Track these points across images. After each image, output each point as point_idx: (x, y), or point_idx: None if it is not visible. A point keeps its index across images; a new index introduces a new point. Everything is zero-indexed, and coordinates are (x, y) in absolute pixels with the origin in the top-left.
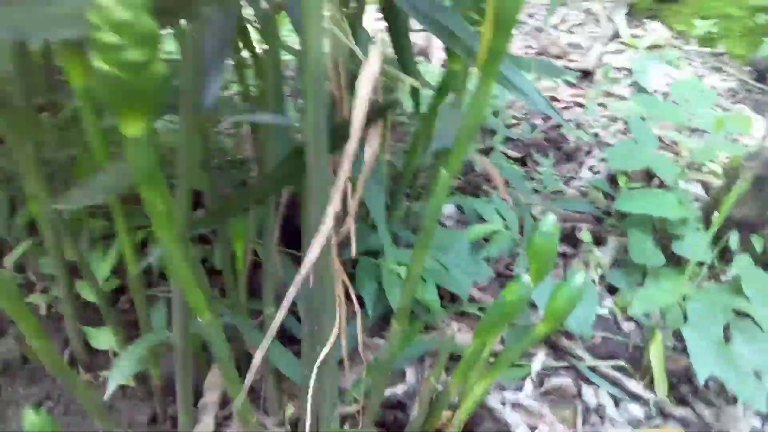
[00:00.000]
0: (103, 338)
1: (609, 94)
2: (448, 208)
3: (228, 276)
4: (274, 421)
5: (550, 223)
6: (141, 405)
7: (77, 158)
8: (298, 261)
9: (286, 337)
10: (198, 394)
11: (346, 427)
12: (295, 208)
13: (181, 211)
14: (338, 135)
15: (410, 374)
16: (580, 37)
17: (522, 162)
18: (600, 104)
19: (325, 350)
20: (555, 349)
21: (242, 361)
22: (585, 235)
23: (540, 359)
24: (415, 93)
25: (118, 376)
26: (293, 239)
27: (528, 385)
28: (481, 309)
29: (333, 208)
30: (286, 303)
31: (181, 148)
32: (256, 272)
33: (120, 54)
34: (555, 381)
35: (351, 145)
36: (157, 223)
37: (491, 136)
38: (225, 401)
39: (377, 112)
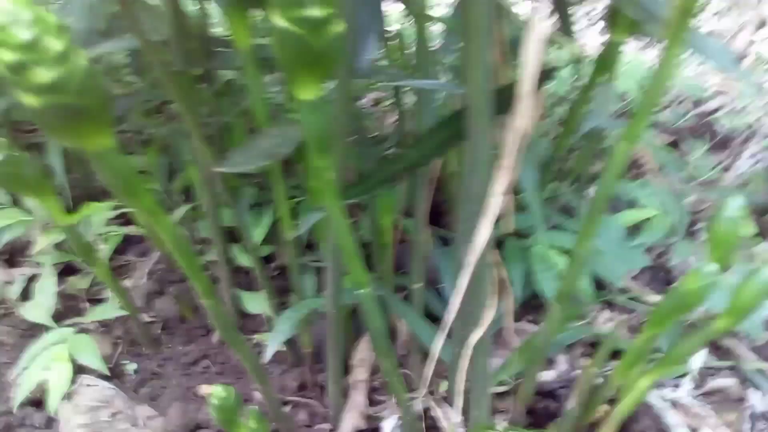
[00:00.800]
0: (256, 302)
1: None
2: (593, 192)
3: (375, 250)
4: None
5: (736, 205)
6: (291, 371)
7: (232, 126)
8: (441, 237)
9: (428, 316)
10: (346, 366)
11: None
12: (435, 186)
13: (337, 175)
14: (501, 100)
15: (562, 362)
16: (726, 23)
17: (674, 147)
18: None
19: (479, 331)
20: (716, 348)
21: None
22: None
23: (701, 357)
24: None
25: (277, 340)
26: (433, 216)
27: (687, 384)
28: (631, 299)
29: (503, 181)
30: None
31: (334, 116)
32: (399, 249)
33: (301, 11)
34: (717, 382)
35: (523, 109)
36: (325, 191)
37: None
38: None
39: (541, 77)
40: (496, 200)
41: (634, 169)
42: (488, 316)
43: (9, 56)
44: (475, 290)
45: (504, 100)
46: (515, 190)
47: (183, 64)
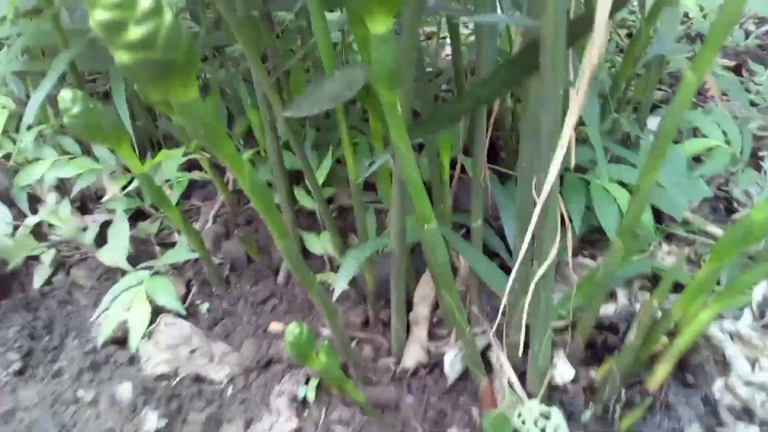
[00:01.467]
0: (319, 243)
1: None
2: (654, 122)
3: (435, 188)
4: (482, 332)
5: None
6: (355, 308)
7: (294, 70)
8: (500, 176)
9: (487, 253)
10: (408, 304)
11: (556, 344)
12: (495, 128)
13: (405, 113)
14: (574, 30)
15: (622, 296)
16: None
17: (736, 71)
18: None
19: (545, 265)
20: None
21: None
22: None
23: (762, 289)
24: None
25: (344, 278)
26: (491, 156)
27: (748, 316)
28: (690, 231)
29: (573, 117)
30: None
31: (402, 52)
32: (458, 188)
33: None
34: None
35: (597, 40)
36: (394, 127)
37: (699, 43)
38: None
39: (614, 5)
40: (568, 134)
41: (696, 95)
42: (554, 251)
43: (102, 15)
44: (542, 226)
45: (577, 31)
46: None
47: (244, 6)
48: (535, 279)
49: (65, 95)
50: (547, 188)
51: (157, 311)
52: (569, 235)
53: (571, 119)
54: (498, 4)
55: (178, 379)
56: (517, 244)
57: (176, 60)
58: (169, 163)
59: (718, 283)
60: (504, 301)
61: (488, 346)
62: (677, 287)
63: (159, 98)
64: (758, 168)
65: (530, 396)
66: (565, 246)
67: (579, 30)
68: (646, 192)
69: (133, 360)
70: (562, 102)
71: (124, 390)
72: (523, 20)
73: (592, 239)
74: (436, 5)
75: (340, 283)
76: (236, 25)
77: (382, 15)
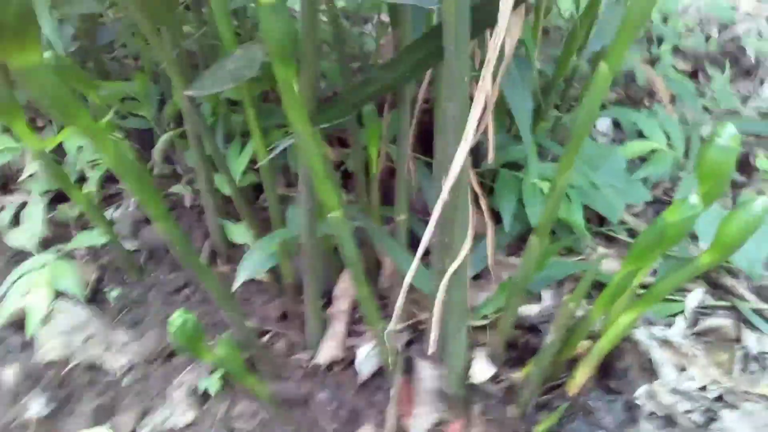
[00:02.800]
0: (240, 233)
1: None
2: (604, 123)
3: (361, 180)
4: (401, 329)
5: (728, 134)
6: (273, 301)
7: (207, 48)
8: (431, 167)
9: (417, 247)
10: (330, 298)
11: (476, 343)
12: (430, 114)
13: (308, 95)
14: (480, 17)
15: (547, 297)
16: None
17: (693, 76)
18: None
19: (456, 263)
20: (714, 287)
21: (373, 268)
22: (762, 162)
23: (697, 296)
24: None
25: (247, 269)
26: (429, 148)
27: (680, 323)
28: (632, 236)
29: (478, 108)
30: (436, 213)
31: (303, 29)
32: (392, 180)
33: None
34: (712, 321)
35: (501, 26)
36: (290, 106)
37: (659, 45)
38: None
39: None
40: (472, 125)
41: (648, 98)
42: (464, 248)
43: None
44: (452, 221)
45: (484, 16)
46: (511, 116)
47: None
48: (446, 277)
49: None
50: (449, 182)
51: (60, 297)
52: (491, 233)
53: (475, 111)
54: None
55: (70, 366)
56: (424, 238)
57: (5, 20)
58: (74, 142)
59: (645, 287)
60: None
61: (410, 342)
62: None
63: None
64: None
65: (447, 396)
66: (488, 244)
67: (484, 18)
68: (561, 189)
69: (27, 345)
70: (467, 92)
71: (8, 374)
72: (421, 0)
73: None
74: None
75: (241, 274)
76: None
77: None
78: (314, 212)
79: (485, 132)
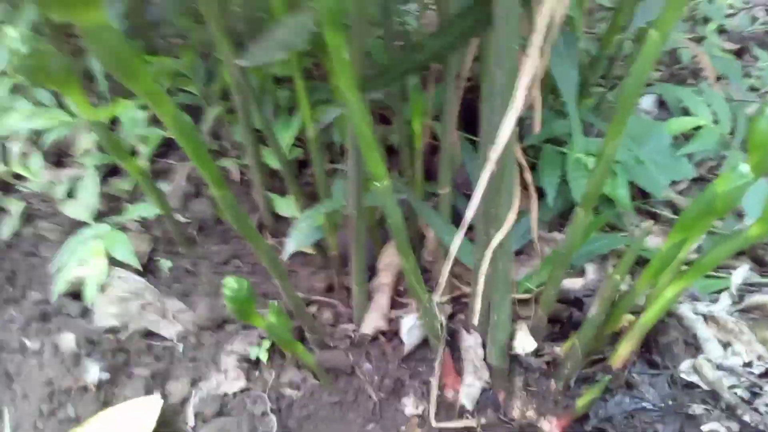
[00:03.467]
0: (287, 206)
1: None
2: (648, 100)
3: (405, 155)
4: (445, 302)
5: None
6: (319, 273)
7: (263, 20)
8: (475, 144)
9: (458, 222)
10: (373, 271)
11: (519, 316)
12: (474, 92)
13: (356, 63)
14: None
15: (591, 272)
16: None
17: (738, 55)
18: None
19: (500, 235)
20: (761, 265)
21: (416, 243)
22: None
23: (742, 272)
24: None
25: (296, 240)
26: (471, 125)
27: (725, 299)
28: (676, 213)
29: (527, 75)
30: (482, 182)
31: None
32: (434, 157)
33: None
34: (757, 298)
35: None
36: (340, 73)
37: (704, 25)
38: (398, 284)
39: None
40: (521, 93)
41: (692, 77)
42: (510, 219)
43: None
44: (498, 192)
45: None
46: (555, 91)
47: None
48: (491, 248)
49: (11, 34)
50: (497, 151)
51: (116, 266)
52: (534, 207)
53: (524, 78)
54: None
55: (126, 333)
56: (470, 207)
57: None
58: (136, 116)
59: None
60: (448, 265)
61: (452, 315)
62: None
63: (61, 20)
64: None
65: (491, 367)
66: (532, 218)
67: None
68: (609, 158)
69: (86, 312)
70: (517, 60)
71: (67, 341)
72: None
73: (571, 215)
74: None
75: (290, 244)
76: None
77: None
78: (361, 183)
79: (529, 107)
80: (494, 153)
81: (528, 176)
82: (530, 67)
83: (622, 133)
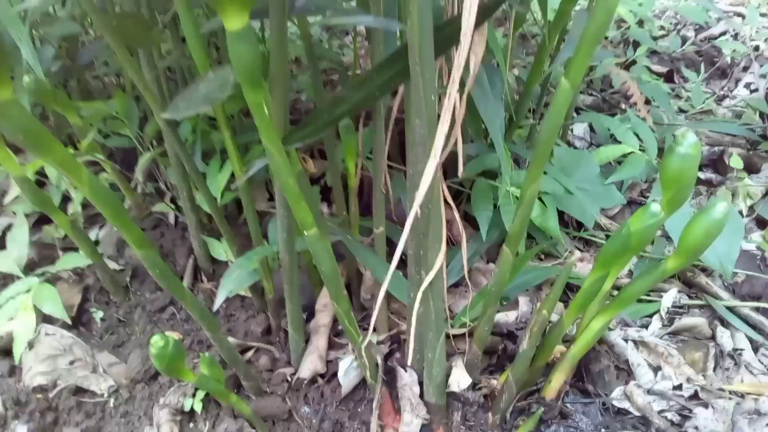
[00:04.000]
0: (222, 250)
1: None
2: (580, 127)
3: (339, 194)
4: (383, 340)
5: (689, 142)
6: (257, 316)
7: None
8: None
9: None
10: (312, 311)
11: (455, 351)
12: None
13: (279, 117)
14: (443, 37)
15: (523, 304)
16: None
17: (668, 78)
18: (762, 14)
19: (431, 275)
20: (689, 286)
21: (355, 280)
22: (735, 160)
23: (671, 296)
24: None
25: (227, 288)
26: (402, 158)
27: (655, 323)
28: (609, 238)
29: (445, 125)
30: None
31: (272, 52)
32: (369, 192)
33: None
34: (687, 320)
35: (464, 45)
36: (262, 129)
37: (634, 49)
38: (336, 324)
39: (484, 12)
40: (439, 143)
41: (624, 101)
42: (439, 261)
43: None
44: (426, 235)
45: (447, 35)
46: (485, 130)
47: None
48: (421, 289)
49: None
50: (419, 197)
51: (46, 320)
52: (464, 242)
53: (442, 127)
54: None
55: (55, 391)
56: (396, 252)
57: None
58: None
59: (619, 288)
60: (377, 305)
61: (390, 353)
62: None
63: None
64: None
65: (428, 404)
66: (463, 253)
67: (448, 35)
68: (530, 200)
69: (14, 370)
70: (435, 109)
71: None
72: (386, 22)
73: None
74: (305, 4)
75: (221, 294)
76: (102, 23)
77: (234, 11)
78: (292, 229)
79: (457, 144)
80: (417, 200)
81: (456, 213)
82: (448, 116)
83: (540, 178)
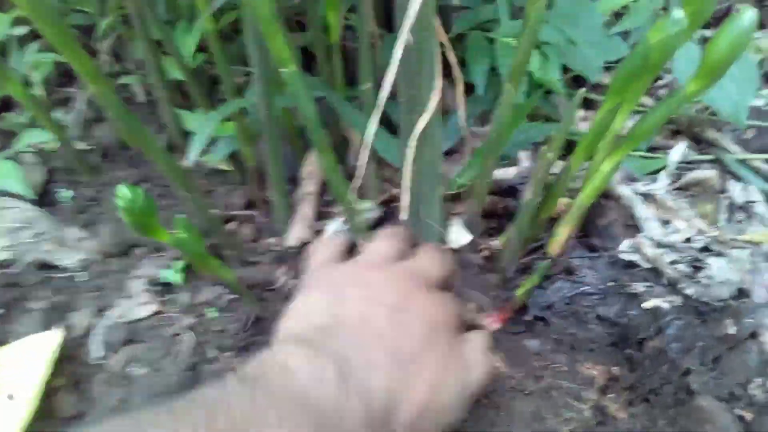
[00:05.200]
0: (196, 120)
1: None
2: None
3: (321, 54)
4: (373, 205)
5: None
6: (238, 189)
7: None
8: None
9: (386, 124)
10: (296, 182)
11: (451, 212)
12: None
13: None
14: None
15: (524, 159)
16: None
17: None
18: None
19: (424, 119)
20: (698, 142)
21: (339, 149)
22: (745, 13)
23: (680, 149)
24: None
25: (197, 145)
26: (388, 20)
27: (663, 178)
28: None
29: None
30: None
31: None
32: (351, 60)
33: None
34: (696, 174)
35: None
36: None
37: None
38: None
39: None
40: None
41: None
42: (433, 100)
43: None
44: (418, 71)
45: None
46: None
47: None
48: (414, 136)
49: None
50: (410, 16)
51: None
52: (460, 95)
53: None
54: None
55: (19, 265)
56: (384, 86)
57: None
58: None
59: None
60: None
61: (382, 220)
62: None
63: None
64: None
65: None
66: (458, 104)
67: None
68: (534, 23)
69: None
70: None
71: None
72: None
73: None
74: None
75: (194, 147)
76: None
77: None
78: (268, 79)
79: None
80: (407, 20)
81: (452, 57)
82: None
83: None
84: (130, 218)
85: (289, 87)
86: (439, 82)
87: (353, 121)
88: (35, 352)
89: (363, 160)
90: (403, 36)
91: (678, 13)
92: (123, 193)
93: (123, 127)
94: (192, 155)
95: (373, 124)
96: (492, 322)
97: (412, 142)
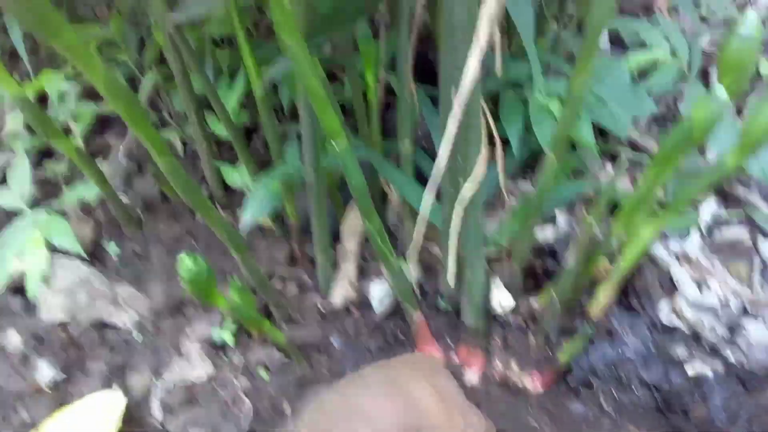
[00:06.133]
0: (237, 175)
1: None
2: (603, 39)
3: (360, 112)
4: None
5: (751, 22)
6: (279, 244)
7: None
8: (432, 98)
9: (421, 179)
10: (337, 237)
11: (492, 272)
12: (426, 44)
13: (300, 11)
14: None
15: (561, 219)
16: None
17: None
18: None
19: (470, 187)
20: (726, 198)
21: (378, 205)
22: (764, 67)
23: (709, 208)
24: None
25: (253, 208)
26: (425, 78)
27: (695, 236)
28: (636, 151)
29: (489, 6)
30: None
31: None
32: (389, 113)
33: None
34: (727, 233)
35: None
36: (282, 22)
37: None
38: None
39: None
40: (485, 25)
41: (645, 9)
42: (480, 169)
43: None
44: (466, 140)
45: None
46: (509, 32)
47: None
48: (461, 203)
49: None
50: (463, 93)
51: (58, 255)
52: (500, 155)
53: (486, 9)
54: None
55: (77, 326)
56: (439, 161)
57: None
58: (55, 88)
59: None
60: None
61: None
62: None
63: None
64: (707, 85)
65: (467, 328)
66: (499, 168)
67: None
68: (577, 99)
69: (30, 308)
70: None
71: (13, 340)
72: None
73: (535, 164)
74: None
75: (247, 212)
76: None
77: None
78: (317, 144)
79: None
80: (460, 96)
81: (491, 121)
82: (489, 19)
83: (589, 69)
84: (193, 288)
85: (338, 157)
86: (485, 151)
87: (397, 182)
88: (101, 414)
89: (419, 236)
90: (457, 116)
91: (720, 90)
92: (186, 264)
93: (186, 197)
94: (246, 224)
95: (429, 198)
96: (536, 385)
97: (459, 209)
